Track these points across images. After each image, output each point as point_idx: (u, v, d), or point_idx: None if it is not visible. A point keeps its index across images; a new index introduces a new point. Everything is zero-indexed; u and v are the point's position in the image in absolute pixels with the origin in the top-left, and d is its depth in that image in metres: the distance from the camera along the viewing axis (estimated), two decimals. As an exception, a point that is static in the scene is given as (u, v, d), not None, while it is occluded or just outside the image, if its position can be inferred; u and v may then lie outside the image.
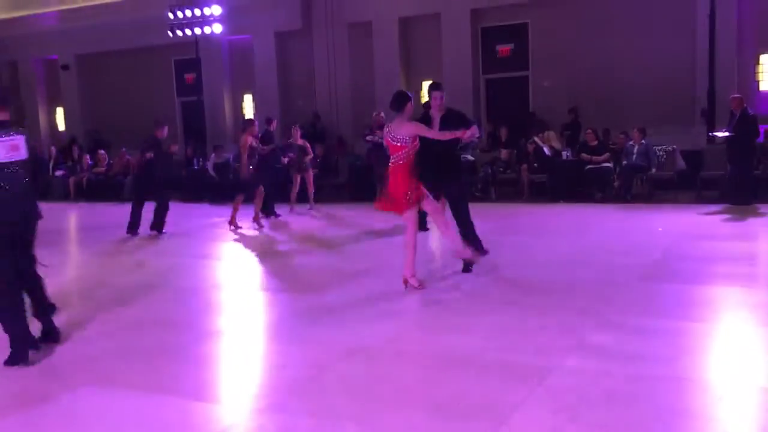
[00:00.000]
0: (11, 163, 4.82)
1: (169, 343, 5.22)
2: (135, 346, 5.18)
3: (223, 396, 4.27)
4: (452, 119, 6.66)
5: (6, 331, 4.86)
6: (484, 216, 10.43)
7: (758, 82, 14.30)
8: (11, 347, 4.80)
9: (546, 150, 13.34)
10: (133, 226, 10.67)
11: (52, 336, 5.26)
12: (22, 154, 4.89)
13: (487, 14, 16.47)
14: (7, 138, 4.83)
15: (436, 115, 6.78)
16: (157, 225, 10.67)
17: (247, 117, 11.80)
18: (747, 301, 5.76)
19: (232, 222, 10.86)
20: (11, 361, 4.76)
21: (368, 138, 14.47)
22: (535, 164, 13.46)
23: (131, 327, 5.76)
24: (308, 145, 12.94)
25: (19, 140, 4.90)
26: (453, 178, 6.82)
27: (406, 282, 6.38)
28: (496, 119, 15.80)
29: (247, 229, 10.79)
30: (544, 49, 15.86)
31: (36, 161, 5.40)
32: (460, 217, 6.85)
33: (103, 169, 17.78)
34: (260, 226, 10.96)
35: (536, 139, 13.50)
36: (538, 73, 16.06)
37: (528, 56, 16.22)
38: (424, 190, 6.29)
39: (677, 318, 5.25)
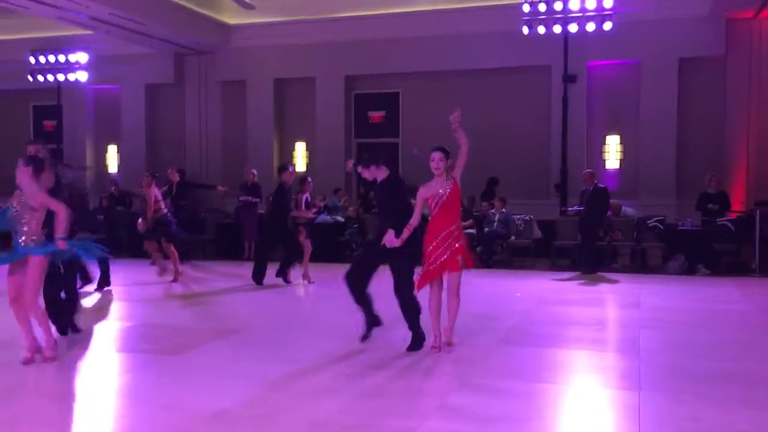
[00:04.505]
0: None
1: (20, 406, 4.83)
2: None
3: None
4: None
5: None
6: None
7: (604, 160, 15.62)
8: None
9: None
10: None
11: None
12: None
13: (360, 81, 17.00)
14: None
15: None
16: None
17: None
18: (596, 364, 6.14)
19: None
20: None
21: (242, 198, 14.33)
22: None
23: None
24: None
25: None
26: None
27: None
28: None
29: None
30: (414, 118, 16.50)
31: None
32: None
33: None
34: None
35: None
36: (408, 140, 16.64)
37: (399, 123, 16.82)
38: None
39: (533, 380, 5.49)
